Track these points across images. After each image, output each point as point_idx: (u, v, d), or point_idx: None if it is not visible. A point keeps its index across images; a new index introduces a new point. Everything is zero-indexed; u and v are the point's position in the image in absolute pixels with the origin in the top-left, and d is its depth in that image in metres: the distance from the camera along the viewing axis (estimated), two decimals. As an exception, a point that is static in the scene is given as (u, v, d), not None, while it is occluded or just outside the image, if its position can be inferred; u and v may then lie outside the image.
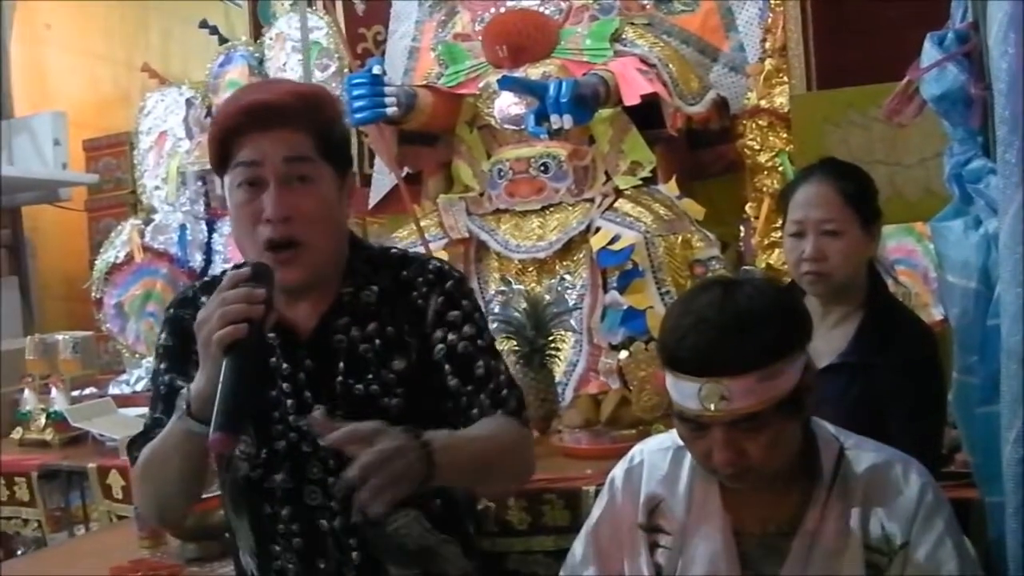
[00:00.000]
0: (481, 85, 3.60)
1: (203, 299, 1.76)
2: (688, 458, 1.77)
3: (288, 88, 1.81)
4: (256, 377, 1.62)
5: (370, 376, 1.77)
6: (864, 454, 1.72)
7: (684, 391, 1.61)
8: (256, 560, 1.85)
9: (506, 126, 3.53)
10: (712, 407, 1.58)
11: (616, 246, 3.17)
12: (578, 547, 1.88)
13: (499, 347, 1.96)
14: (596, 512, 1.89)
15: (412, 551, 1.78)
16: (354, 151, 3.88)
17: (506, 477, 1.84)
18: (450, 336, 1.79)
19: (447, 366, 1.79)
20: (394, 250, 1.95)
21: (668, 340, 1.65)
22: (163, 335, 1.89)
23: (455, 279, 1.86)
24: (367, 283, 1.82)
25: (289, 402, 1.78)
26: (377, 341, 1.78)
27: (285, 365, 1.78)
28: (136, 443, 1.83)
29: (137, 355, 4.38)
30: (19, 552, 3.69)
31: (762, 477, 1.66)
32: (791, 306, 1.72)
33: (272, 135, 1.70)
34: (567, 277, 3.37)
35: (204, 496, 2.35)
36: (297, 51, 4.17)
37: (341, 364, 1.77)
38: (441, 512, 1.82)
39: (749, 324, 1.58)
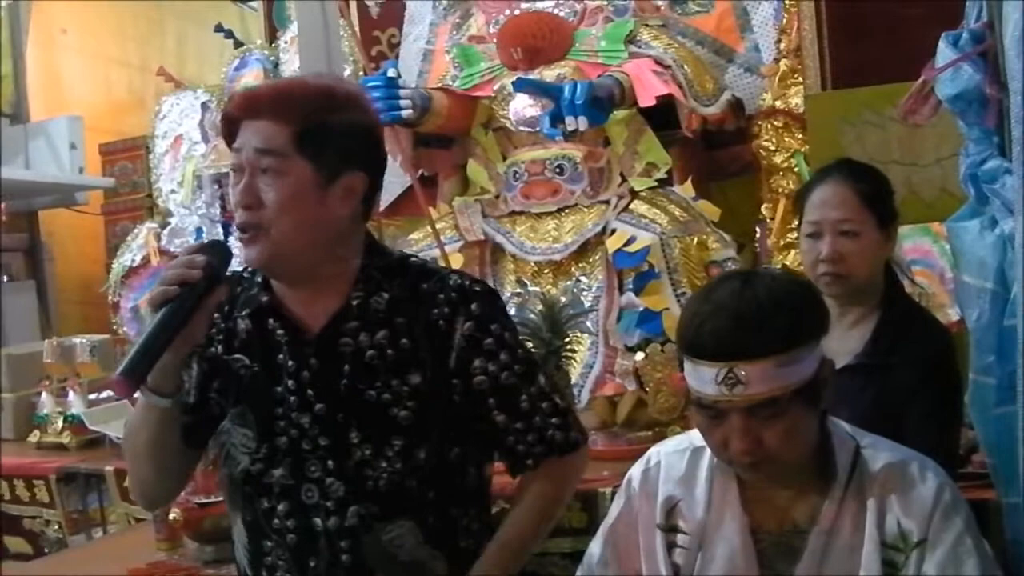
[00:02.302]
0: (496, 87, 3.61)
1: None
2: (706, 459, 1.78)
3: (283, 81, 1.83)
4: (183, 337, 1.69)
5: (379, 385, 1.77)
6: (880, 453, 1.72)
7: (702, 377, 1.62)
8: (248, 556, 1.86)
9: (521, 128, 3.53)
10: (729, 392, 1.59)
11: (632, 248, 3.17)
12: (595, 548, 1.89)
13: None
14: (613, 513, 1.89)
15: (403, 563, 1.77)
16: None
17: (547, 531, 1.94)
18: (490, 367, 1.80)
19: (491, 400, 1.81)
20: (413, 259, 1.93)
21: (687, 327, 1.66)
22: None
23: (480, 299, 1.83)
24: (378, 289, 1.80)
25: (292, 399, 1.79)
26: (389, 351, 1.78)
27: (291, 362, 1.79)
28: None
29: (154, 358, 4.39)
30: (44, 551, 3.71)
31: (778, 469, 1.66)
32: (809, 295, 1.73)
33: (253, 125, 1.75)
34: (583, 279, 3.37)
35: (219, 499, 2.38)
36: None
37: (347, 367, 1.77)
38: (435, 526, 1.80)
39: (767, 310, 1.60)
